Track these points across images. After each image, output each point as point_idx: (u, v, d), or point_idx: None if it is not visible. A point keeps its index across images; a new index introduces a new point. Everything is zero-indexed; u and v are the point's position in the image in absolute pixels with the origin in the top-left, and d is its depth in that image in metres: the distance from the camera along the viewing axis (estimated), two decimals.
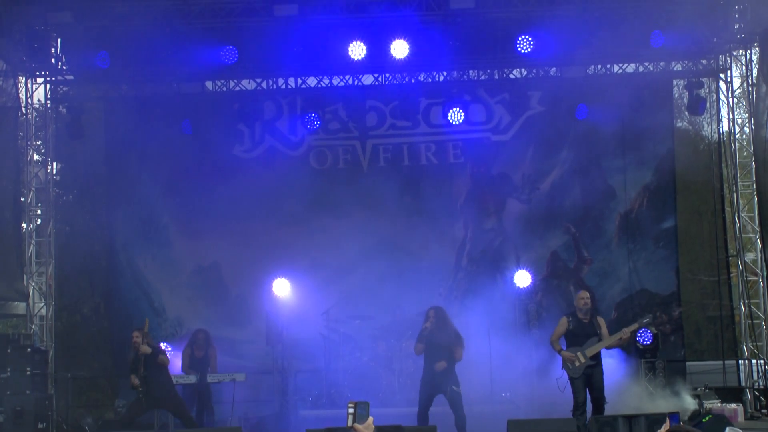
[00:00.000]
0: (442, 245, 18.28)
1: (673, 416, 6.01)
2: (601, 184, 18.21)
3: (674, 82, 18.57)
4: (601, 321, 13.37)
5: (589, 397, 13.21)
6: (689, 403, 15.42)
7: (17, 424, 13.91)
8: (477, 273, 18.17)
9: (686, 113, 19.49)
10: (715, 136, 18.21)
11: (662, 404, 14.94)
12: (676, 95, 19.05)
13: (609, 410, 13.34)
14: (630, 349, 16.35)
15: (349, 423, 5.91)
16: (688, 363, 17.84)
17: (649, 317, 13.64)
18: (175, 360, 15.77)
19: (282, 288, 16.91)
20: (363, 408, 5.82)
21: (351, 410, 5.81)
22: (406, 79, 18.10)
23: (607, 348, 13.29)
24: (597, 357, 13.14)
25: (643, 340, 16.53)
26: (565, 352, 13.07)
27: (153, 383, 13.77)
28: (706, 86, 17.76)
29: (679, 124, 20.11)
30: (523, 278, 17.20)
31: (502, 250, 18.24)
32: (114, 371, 17.63)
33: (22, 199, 17.29)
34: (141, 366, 13.64)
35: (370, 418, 5.90)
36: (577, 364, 12.97)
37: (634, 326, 13.28)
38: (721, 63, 17.73)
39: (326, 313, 17.00)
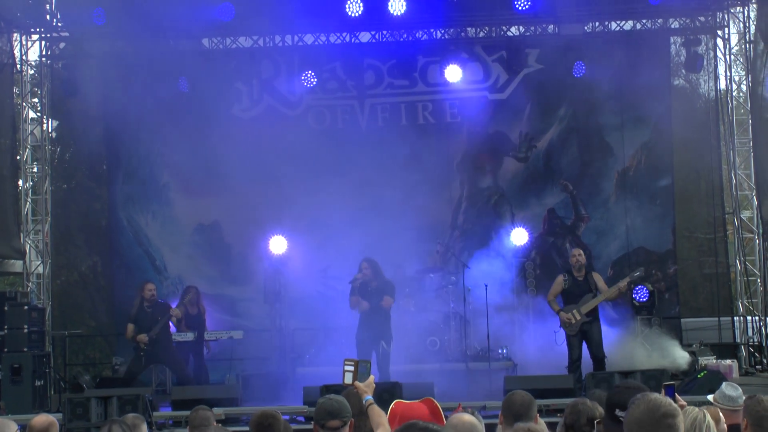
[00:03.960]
0: (439, 204, 17.94)
1: (669, 388, 5.45)
2: (598, 141, 17.70)
3: (672, 39, 17.96)
4: (597, 277, 13.22)
5: (588, 354, 13.01)
6: (683, 359, 14.97)
7: (15, 381, 13.63)
8: (473, 231, 17.80)
9: (683, 70, 18.85)
10: (713, 93, 17.76)
11: (657, 360, 14.62)
12: (674, 52, 18.40)
13: (606, 366, 13.00)
14: (626, 306, 15.94)
15: (348, 380, 5.52)
16: (683, 320, 17.37)
17: (641, 270, 13.44)
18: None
19: (280, 246, 16.59)
20: (364, 366, 5.51)
21: (350, 368, 5.47)
22: (404, 36, 17.51)
23: (608, 300, 13.14)
24: (593, 313, 12.97)
25: (639, 297, 16.11)
26: (562, 313, 12.94)
27: (157, 342, 13.64)
28: (703, 43, 17.26)
29: (677, 82, 19.47)
30: (519, 236, 16.86)
31: (498, 207, 17.85)
32: (112, 329, 17.20)
33: (18, 157, 16.74)
34: (158, 328, 13.59)
35: (372, 377, 5.67)
36: (573, 321, 12.82)
37: (626, 280, 13.07)
38: (718, 20, 17.16)
39: (324, 271, 16.45)
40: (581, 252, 13.29)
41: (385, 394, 10.58)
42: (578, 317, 12.78)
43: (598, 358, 12.85)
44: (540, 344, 15.00)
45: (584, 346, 13.06)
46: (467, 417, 4.74)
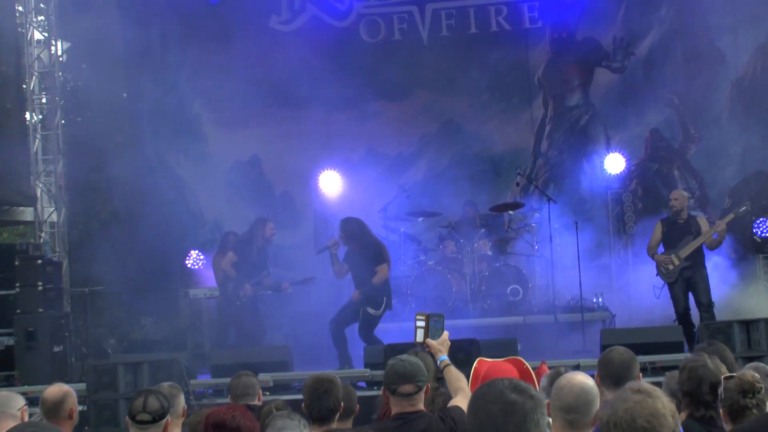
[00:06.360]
0: (518, 127, 17.88)
1: None
2: (707, 46, 17.29)
3: None
4: (701, 221, 13.11)
5: (693, 304, 12.92)
6: None
7: (30, 348, 13.62)
8: (560, 158, 17.74)
9: None
10: None
11: None
12: None
13: (723, 315, 12.91)
14: (746, 243, 15.67)
15: (420, 338, 5.50)
16: None
17: (747, 205, 13.13)
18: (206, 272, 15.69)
19: (332, 183, 16.54)
20: (437, 321, 5.46)
21: (421, 323, 5.43)
22: None
23: (708, 248, 12.87)
24: (695, 257, 12.82)
25: (761, 232, 15.80)
26: (658, 256, 12.91)
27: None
28: None
29: None
30: (615, 163, 16.58)
31: (589, 129, 17.67)
32: (140, 285, 17.27)
33: (23, 86, 16.74)
34: (267, 287, 14.01)
35: (446, 333, 5.57)
36: (670, 267, 12.77)
37: (730, 217, 12.87)
38: None
39: (384, 211, 16.36)
40: (679, 195, 13.11)
41: (460, 353, 10.56)
42: (677, 261, 12.70)
43: (704, 304, 12.74)
44: (642, 291, 14.82)
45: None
46: (579, 378, 4.53)
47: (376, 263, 12.88)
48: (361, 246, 12.98)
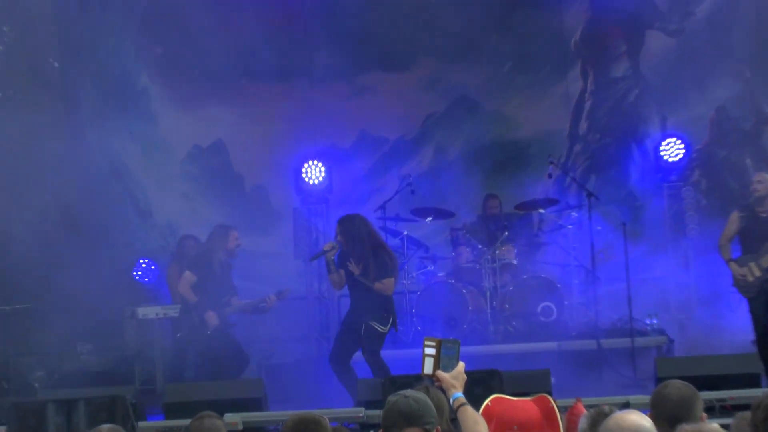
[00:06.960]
0: (550, 105, 18.00)
1: None
2: None
3: None
4: None
5: None
6: None
7: None
8: (603, 143, 17.86)
9: None
10: None
11: None
12: None
13: None
14: None
15: (428, 370, 5.59)
16: None
17: None
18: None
19: (316, 175, 16.54)
20: (451, 349, 5.51)
21: (431, 351, 5.47)
22: None
23: None
24: None
25: None
26: (734, 264, 12.85)
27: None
28: None
29: None
30: (672, 148, 16.47)
31: (639, 107, 17.76)
32: (75, 302, 17.27)
33: None
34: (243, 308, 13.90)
35: (461, 364, 5.61)
36: (749, 278, 12.70)
37: None
38: None
39: (382, 209, 16.33)
40: (763, 177, 13.00)
41: (479, 387, 10.55)
42: (756, 272, 12.63)
43: None
44: (708, 310, 14.87)
45: None
46: (632, 418, 4.62)
47: (383, 275, 12.62)
48: (366, 250, 12.81)
